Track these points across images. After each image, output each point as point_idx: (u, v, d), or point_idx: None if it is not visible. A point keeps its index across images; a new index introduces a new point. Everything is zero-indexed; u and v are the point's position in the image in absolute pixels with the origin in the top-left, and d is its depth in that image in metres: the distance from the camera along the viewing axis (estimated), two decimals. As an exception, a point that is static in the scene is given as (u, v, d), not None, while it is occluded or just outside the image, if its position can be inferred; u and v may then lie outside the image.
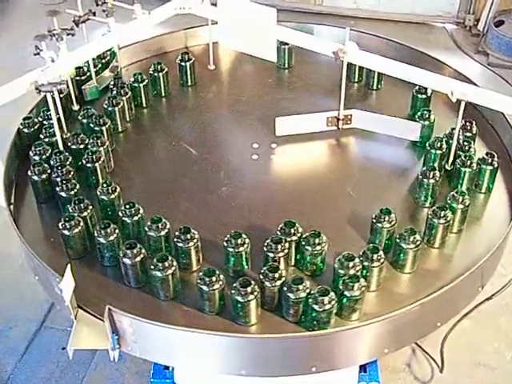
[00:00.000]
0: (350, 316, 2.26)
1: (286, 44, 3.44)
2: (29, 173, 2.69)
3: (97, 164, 2.73)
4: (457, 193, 2.54)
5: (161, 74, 3.30)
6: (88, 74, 3.28)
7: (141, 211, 2.51)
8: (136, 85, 3.22)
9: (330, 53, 2.98)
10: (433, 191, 2.64)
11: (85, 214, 2.50)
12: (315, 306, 2.17)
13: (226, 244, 2.36)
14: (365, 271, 2.30)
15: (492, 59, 6.14)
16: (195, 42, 3.59)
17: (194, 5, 3.38)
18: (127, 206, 2.50)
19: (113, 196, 2.58)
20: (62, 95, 3.05)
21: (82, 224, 2.45)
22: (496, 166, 2.70)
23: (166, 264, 2.28)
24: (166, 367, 2.86)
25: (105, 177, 2.76)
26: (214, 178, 2.87)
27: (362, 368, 2.83)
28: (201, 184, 2.85)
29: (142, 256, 2.33)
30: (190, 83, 3.42)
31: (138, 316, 2.18)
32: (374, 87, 3.36)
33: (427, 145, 2.80)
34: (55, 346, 3.75)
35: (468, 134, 2.89)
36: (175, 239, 2.39)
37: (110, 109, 3.05)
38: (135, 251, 2.32)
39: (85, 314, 2.28)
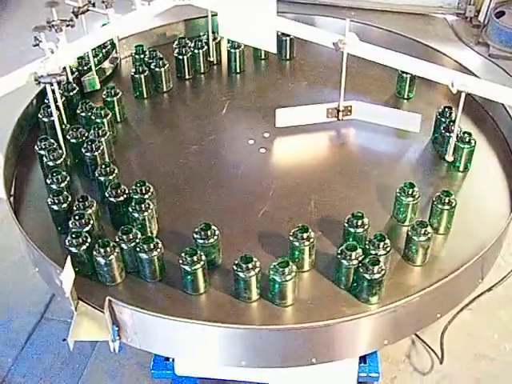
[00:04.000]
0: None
1: (288, 35, 3.43)
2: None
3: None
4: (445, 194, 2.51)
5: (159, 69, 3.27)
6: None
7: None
8: (137, 75, 3.22)
9: (330, 44, 2.97)
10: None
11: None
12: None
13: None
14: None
15: (493, 50, 6.11)
16: (195, 33, 3.57)
17: (194, -5, 3.37)
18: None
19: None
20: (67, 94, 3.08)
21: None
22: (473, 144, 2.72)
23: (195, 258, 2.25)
24: (167, 358, 2.86)
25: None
26: (195, 147, 2.97)
27: (362, 359, 2.83)
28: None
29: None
30: (188, 76, 3.41)
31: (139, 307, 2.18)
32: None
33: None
34: (56, 337, 3.76)
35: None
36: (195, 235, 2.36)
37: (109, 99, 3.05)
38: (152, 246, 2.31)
39: (85, 305, 2.29)
